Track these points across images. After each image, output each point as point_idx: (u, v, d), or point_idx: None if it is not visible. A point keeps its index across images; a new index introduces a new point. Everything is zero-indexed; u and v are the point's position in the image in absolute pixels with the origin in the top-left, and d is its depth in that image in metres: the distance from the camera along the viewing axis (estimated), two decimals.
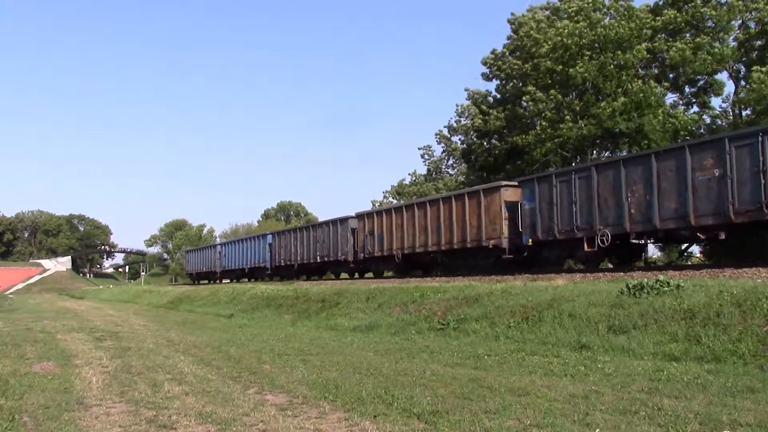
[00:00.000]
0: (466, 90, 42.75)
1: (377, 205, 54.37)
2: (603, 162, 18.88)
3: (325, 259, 30.01)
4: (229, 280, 43.59)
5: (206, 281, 47.95)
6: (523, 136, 32.10)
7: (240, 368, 8.69)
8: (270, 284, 29.89)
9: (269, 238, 36.54)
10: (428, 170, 54.19)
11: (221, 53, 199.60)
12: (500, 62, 36.44)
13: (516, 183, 20.14)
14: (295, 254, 32.91)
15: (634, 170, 15.71)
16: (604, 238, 16.22)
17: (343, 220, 28.89)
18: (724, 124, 31.03)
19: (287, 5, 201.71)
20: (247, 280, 39.53)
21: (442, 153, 52.79)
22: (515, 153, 34.04)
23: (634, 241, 17.21)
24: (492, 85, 39.48)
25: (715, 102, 33.32)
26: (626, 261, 18.10)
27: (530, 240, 18.45)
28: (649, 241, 18.60)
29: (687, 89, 32.67)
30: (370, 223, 26.46)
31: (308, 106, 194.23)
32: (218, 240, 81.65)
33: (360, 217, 27.65)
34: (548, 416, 5.31)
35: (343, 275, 31.10)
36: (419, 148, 53.96)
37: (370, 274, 29.38)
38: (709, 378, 6.78)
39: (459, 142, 48.79)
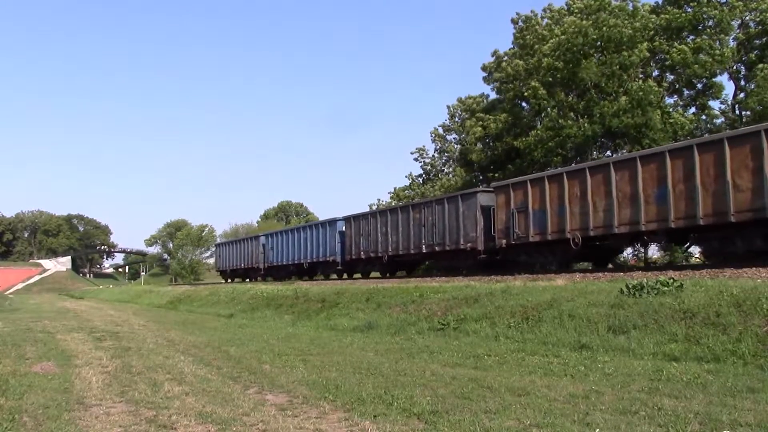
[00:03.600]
0: (458, 100, 43.23)
1: (380, 205, 53.99)
2: None
3: (436, 248, 23.26)
4: (272, 278, 36.55)
5: (240, 279, 41.62)
6: (524, 138, 32.06)
7: (240, 368, 8.69)
8: (270, 284, 29.88)
9: (340, 224, 30.06)
10: (425, 171, 53.51)
11: (221, 53, 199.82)
12: (503, 64, 36.37)
13: None
14: (384, 243, 26.06)
15: None
16: None
17: (467, 196, 22.29)
18: (723, 121, 30.99)
19: (287, 5, 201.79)
20: (299, 278, 32.59)
21: (435, 152, 52.28)
22: (515, 153, 34.02)
23: None
24: (490, 89, 39.62)
25: (714, 105, 33.28)
26: None
27: None
28: None
29: (686, 92, 32.66)
30: (520, 196, 19.10)
31: (308, 106, 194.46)
32: (218, 239, 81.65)
33: (499, 189, 20.35)
34: (548, 416, 5.31)
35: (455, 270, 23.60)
36: (412, 152, 53.37)
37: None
38: (709, 378, 6.78)
39: (454, 141, 48.64)
